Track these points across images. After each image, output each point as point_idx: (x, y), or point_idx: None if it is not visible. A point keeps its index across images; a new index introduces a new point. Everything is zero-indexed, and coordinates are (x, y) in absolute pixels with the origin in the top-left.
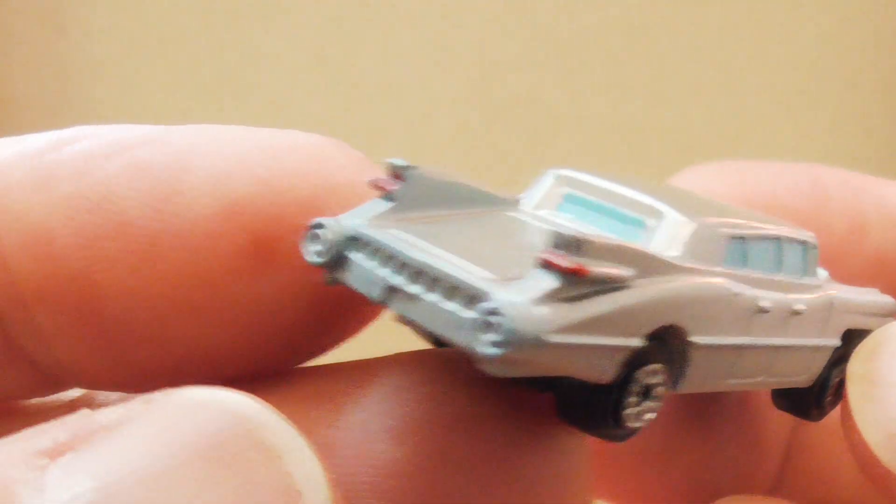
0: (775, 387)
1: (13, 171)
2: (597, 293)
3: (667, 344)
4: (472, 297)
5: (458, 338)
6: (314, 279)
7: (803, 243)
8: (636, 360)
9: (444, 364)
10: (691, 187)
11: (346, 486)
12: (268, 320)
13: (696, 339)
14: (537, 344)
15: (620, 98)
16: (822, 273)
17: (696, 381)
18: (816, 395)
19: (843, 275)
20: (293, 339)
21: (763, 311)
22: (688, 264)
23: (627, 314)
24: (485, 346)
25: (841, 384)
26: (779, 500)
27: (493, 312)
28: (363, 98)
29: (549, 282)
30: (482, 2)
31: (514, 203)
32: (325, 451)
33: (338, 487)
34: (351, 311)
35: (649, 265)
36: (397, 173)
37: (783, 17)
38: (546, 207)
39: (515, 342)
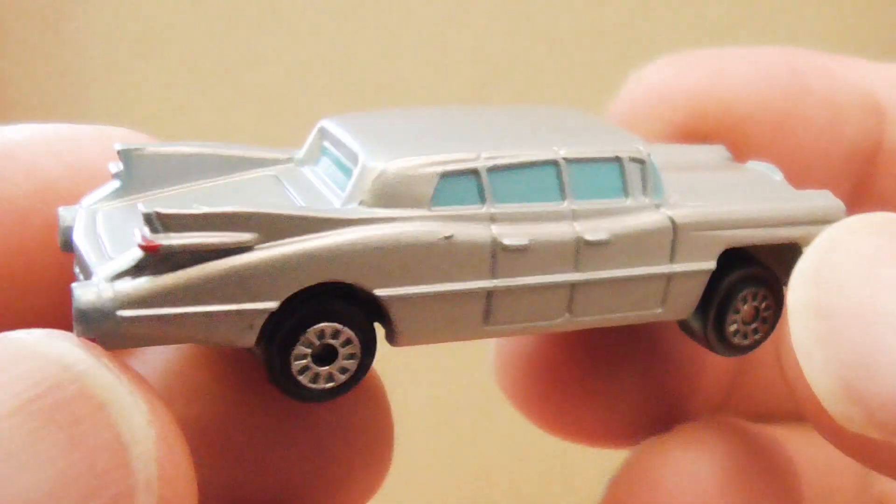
0: (633, 322)
1: None
2: (198, 262)
3: (341, 302)
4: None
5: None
6: None
7: (615, 160)
8: (298, 322)
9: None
10: (668, 80)
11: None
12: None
13: (384, 292)
14: (106, 319)
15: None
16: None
17: (442, 330)
18: (715, 327)
19: (821, 168)
20: None
21: (514, 249)
22: (357, 215)
23: (246, 278)
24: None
25: (764, 311)
26: (726, 419)
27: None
28: (363, 98)
29: (131, 259)
30: (482, 2)
31: (285, 161)
32: None
33: (167, 440)
34: None
35: (277, 225)
36: (120, 157)
37: (783, 18)
38: (308, 163)
39: (83, 320)
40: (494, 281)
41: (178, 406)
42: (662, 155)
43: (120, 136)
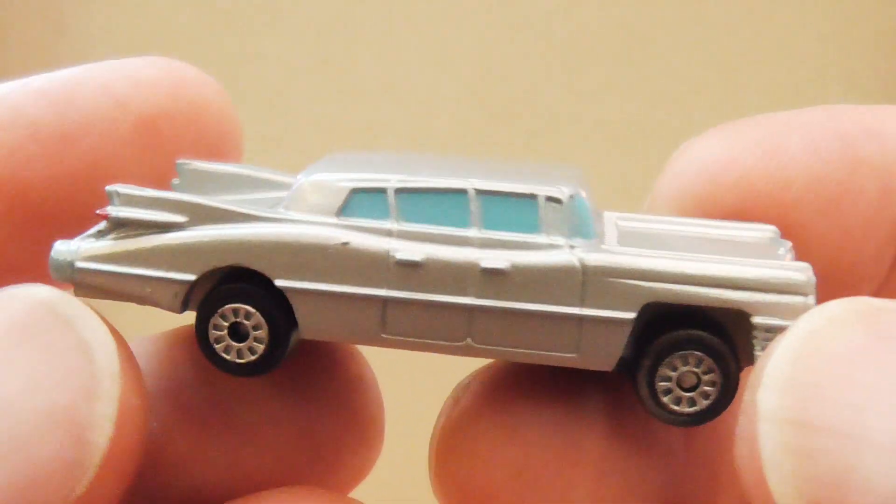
0: (546, 362)
1: None
2: (140, 234)
3: (253, 286)
4: None
5: None
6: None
7: (530, 197)
8: (214, 299)
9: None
10: (718, 160)
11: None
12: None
13: (283, 283)
14: (68, 267)
15: (620, 98)
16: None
17: (339, 329)
18: (647, 384)
19: (868, 239)
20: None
21: (406, 263)
22: (273, 215)
23: (172, 252)
24: None
25: (706, 382)
26: None
27: None
28: (363, 98)
29: (97, 226)
30: (482, 2)
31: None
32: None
33: (125, 350)
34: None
35: (205, 213)
36: (177, 169)
37: (783, 18)
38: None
39: (54, 266)
40: (387, 291)
41: (173, 383)
42: (699, 226)
43: (174, 64)
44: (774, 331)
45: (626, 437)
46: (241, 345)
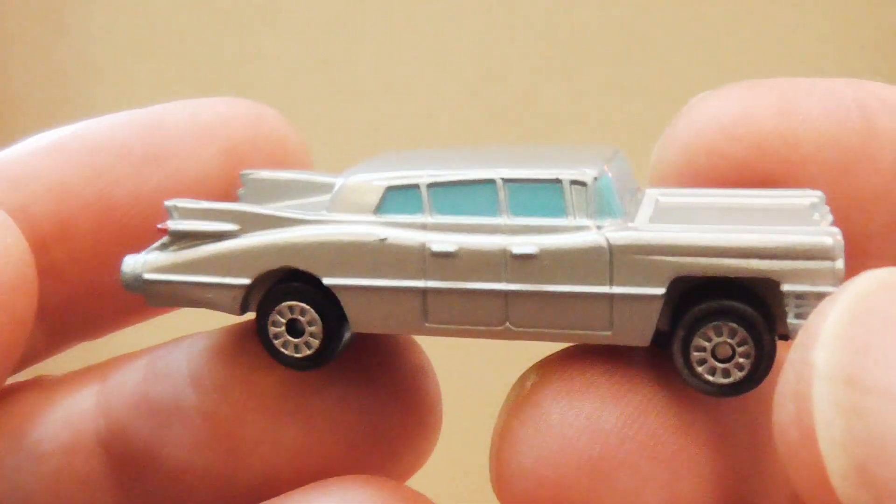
0: (583, 341)
1: (28, 146)
2: (198, 244)
3: (306, 285)
4: None
5: None
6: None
7: (555, 182)
8: (271, 299)
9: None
10: (732, 111)
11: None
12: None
13: (329, 280)
14: (137, 280)
15: (620, 98)
16: (647, 208)
17: (385, 322)
18: (682, 357)
19: (883, 211)
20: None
21: (441, 254)
22: (317, 217)
23: (227, 259)
24: None
25: (741, 353)
26: None
27: None
28: (363, 98)
29: (160, 240)
30: (482, 2)
31: None
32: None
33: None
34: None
35: (255, 221)
36: (241, 179)
37: (783, 18)
38: None
39: (124, 279)
40: (426, 282)
41: (245, 370)
42: (740, 196)
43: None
44: (805, 297)
45: (699, 432)
46: (298, 340)
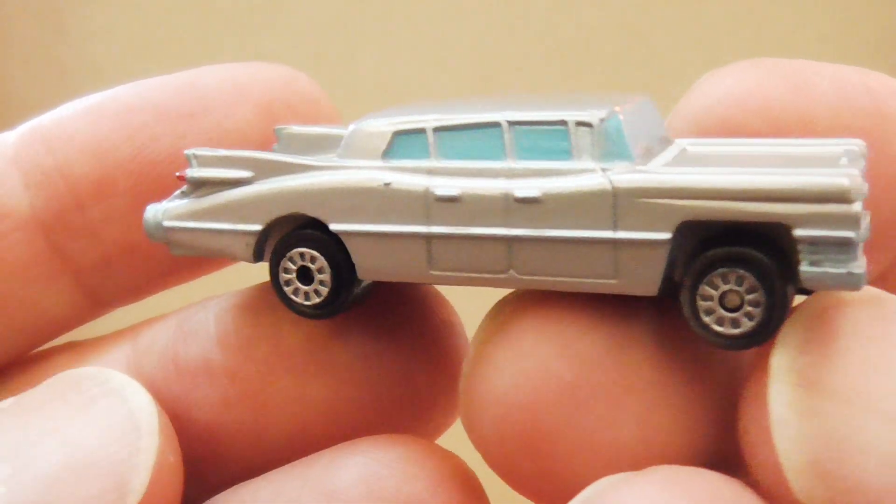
0: (590, 289)
1: (63, 110)
2: (215, 192)
3: (316, 232)
4: None
5: None
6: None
7: (560, 124)
8: (283, 245)
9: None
10: (746, 86)
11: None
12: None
13: (336, 226)
14: (158, 227)
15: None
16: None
17: (391, 268)
18: (690, 307)
19: (892, 196)
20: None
21: (445, 199)
22: (327, 163)
23: (239, 205)
24: None
25: (751, 302)
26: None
27: None
28: (363, 98)
29: (180, 189)
30: (482, 2)
31: None
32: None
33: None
34: None
35: (267, 167)
36: (276, 134)
37: (783, 18)
38: None
39: (147, 227)
40: (430, 227)
41: (273, 328)
42: (774, 145)
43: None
44: (820, 244)
45: (677, 369)
46: (309, 287)
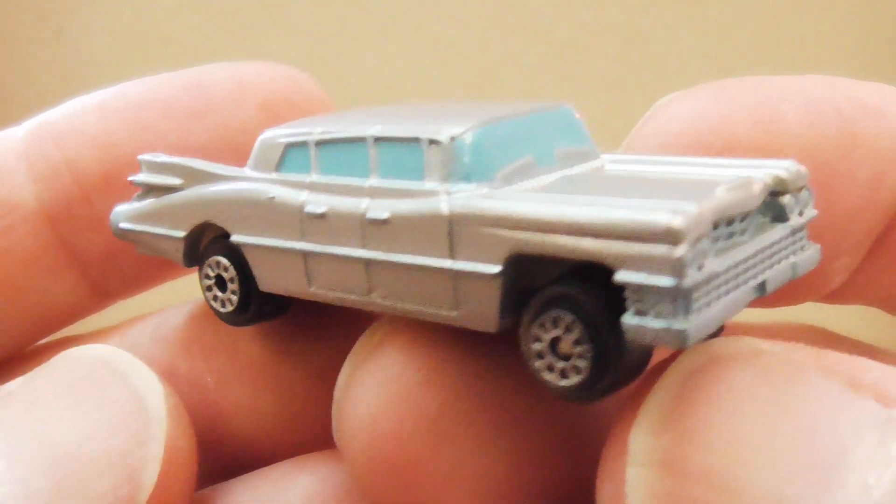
0: (428, 318)
1: (72, 105)
2: (153, 195)
3: (226, 241)
4: None
5: None
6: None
7: (414, 141)
8: (204, 253)
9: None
10: (707, 117)
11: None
12: None
13: (236, 237)
14: (116, 228)
15: (620, 98)
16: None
17: (280, 282)
18: (524, 351)
19: (860, 219)
20: None
21: (314, 216)
22: (237, 173)
23: (168, 211)
24: None
25: (576, 353)
26: None
27: None
28: (363, 98)
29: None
30: (482, 2)
31: None
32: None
33: (178, 399)
34: None
35: (193, 175)
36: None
37: (783, 18)
38: None
39: (112, 227)
40: (304, 244)
41: (230, 339)
42: (690, 165)
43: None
44: (644, 291)
45: (550, 402)
46: (224, 295)
